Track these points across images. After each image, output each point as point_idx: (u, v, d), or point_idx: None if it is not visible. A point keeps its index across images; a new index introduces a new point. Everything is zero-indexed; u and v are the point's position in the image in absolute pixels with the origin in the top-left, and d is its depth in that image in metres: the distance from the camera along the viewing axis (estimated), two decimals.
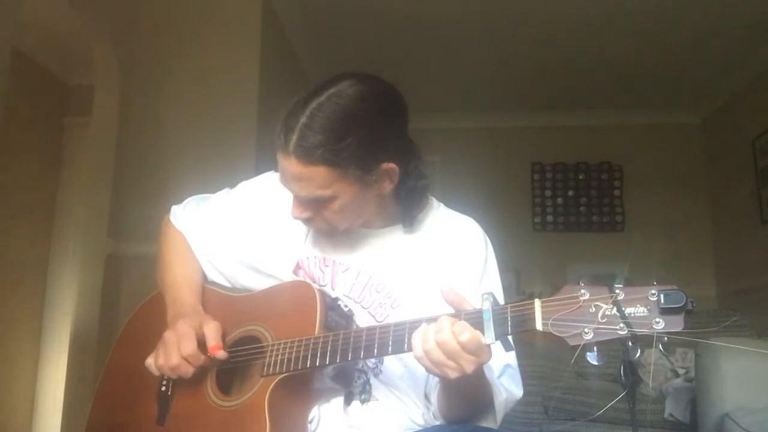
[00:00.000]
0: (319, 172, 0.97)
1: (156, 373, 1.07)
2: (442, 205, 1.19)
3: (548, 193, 4.73)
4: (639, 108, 4.57)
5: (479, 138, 4.71)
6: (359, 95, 0.98)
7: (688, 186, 4.56)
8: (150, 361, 1.08)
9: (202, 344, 1.05)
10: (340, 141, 0.95)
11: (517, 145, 4.75)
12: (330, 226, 1.07)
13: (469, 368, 0.85)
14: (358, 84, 0.99)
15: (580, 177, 4.72)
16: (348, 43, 3.81)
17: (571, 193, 4.70)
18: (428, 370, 0.89)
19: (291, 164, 0.98)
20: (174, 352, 1.04)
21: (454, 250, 1.11)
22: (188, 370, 1.05)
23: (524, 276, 4.45)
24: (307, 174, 0.97)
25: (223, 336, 1.09)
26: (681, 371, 2.93)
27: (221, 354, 1.05)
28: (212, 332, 1.06)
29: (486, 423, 1.03)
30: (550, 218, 4.70)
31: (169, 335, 1.06)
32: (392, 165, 1.02)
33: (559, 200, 4.71)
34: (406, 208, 1.11)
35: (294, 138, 0.96)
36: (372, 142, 0.99)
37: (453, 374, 0.86)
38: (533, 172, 4.76)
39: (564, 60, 3.95)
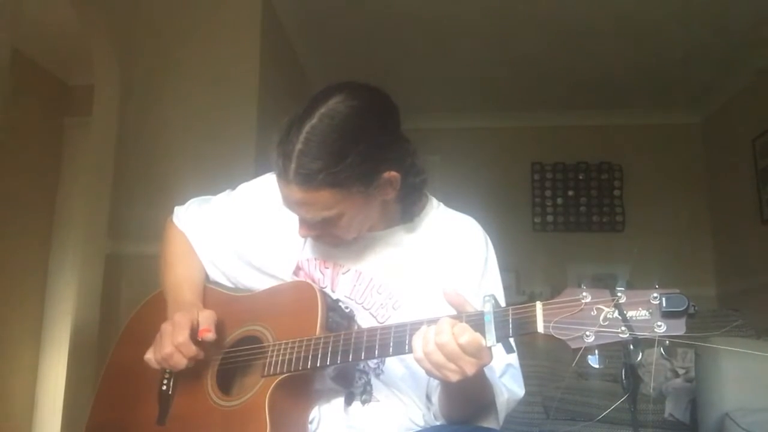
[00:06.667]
0: (323, 195, 0.97)
1: (155, 366, 1.07)
2: (442, 204, 1.19)
3: (548, 193, 4.72)
4: (639, 108, 4.56)
5: (479, 138, 4.70)
6: (352, 111, 0.97)
7: (688, 186, 4.55)
8: (149, 356, 1.08)
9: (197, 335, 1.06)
10: (340, 162, 0.95)
11: (517, 145, 4.74)
12: (338, 239, 1.07)
13: (470, 370, 0.85)
14: (349, 99, 0.98)
15: (580, 177, 4.72)
16: (348, 42, 3.80)
17: (571, 193, 4.69)
18: (428, 372, 0.89)
19: (293, 191, 0.98)
20: (167, 341, 1.04)
21: (455, 250, 1.11)
22: (181, 360, 1.04)
23: (524, 276, 4.44)
24: (310, 199, 0.97)
25: (224, 335, 1.09)
26: (681, 371, 2.93)
27: (209, 336, 1.04)
28: (204, 318, 1.06)
29: (488, 423, 1.02)
30: (550, 218, 4.70)
31: (165, 326, 1.06)
32: (393, 173, 1.02)
33: (559, 200, 4.70)
34: (406, 205, 1.11)
35: (293, 166, 0.95)
36: (371, 157, 0.98)
37: (454, 377, 0.86)
38: (533, 172, 4.76)
39: (564, 60, 3.95)
